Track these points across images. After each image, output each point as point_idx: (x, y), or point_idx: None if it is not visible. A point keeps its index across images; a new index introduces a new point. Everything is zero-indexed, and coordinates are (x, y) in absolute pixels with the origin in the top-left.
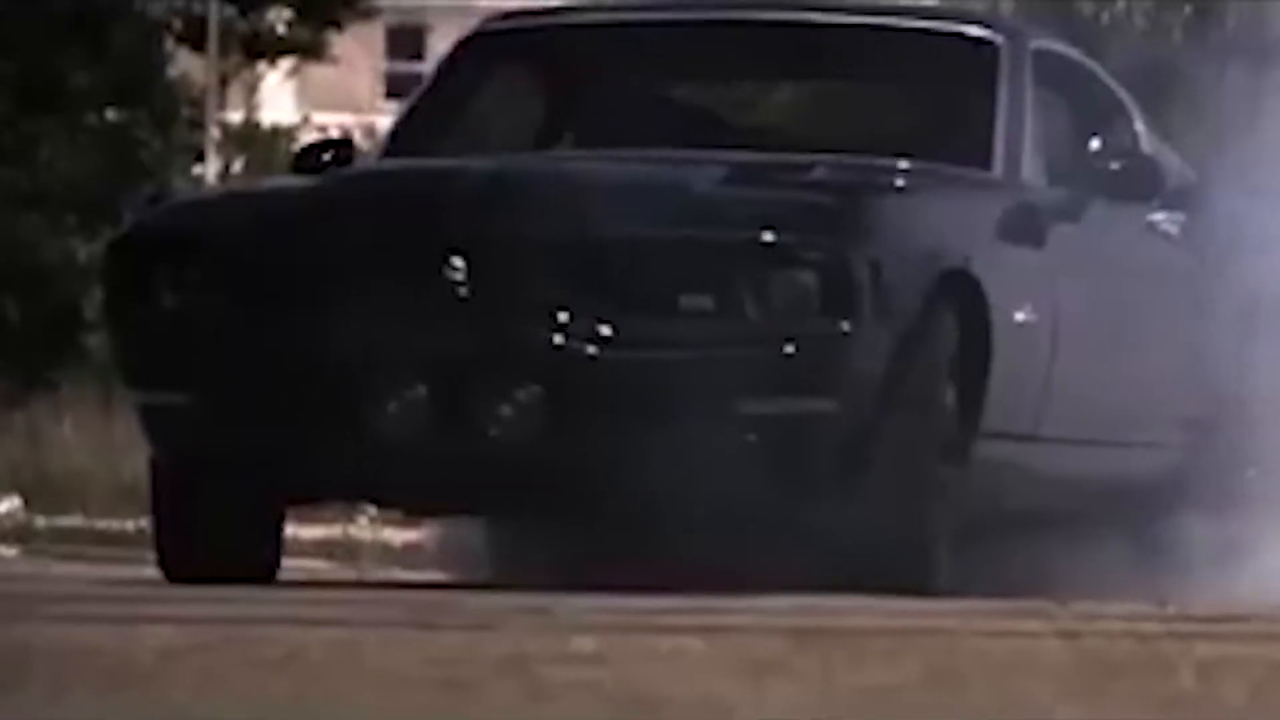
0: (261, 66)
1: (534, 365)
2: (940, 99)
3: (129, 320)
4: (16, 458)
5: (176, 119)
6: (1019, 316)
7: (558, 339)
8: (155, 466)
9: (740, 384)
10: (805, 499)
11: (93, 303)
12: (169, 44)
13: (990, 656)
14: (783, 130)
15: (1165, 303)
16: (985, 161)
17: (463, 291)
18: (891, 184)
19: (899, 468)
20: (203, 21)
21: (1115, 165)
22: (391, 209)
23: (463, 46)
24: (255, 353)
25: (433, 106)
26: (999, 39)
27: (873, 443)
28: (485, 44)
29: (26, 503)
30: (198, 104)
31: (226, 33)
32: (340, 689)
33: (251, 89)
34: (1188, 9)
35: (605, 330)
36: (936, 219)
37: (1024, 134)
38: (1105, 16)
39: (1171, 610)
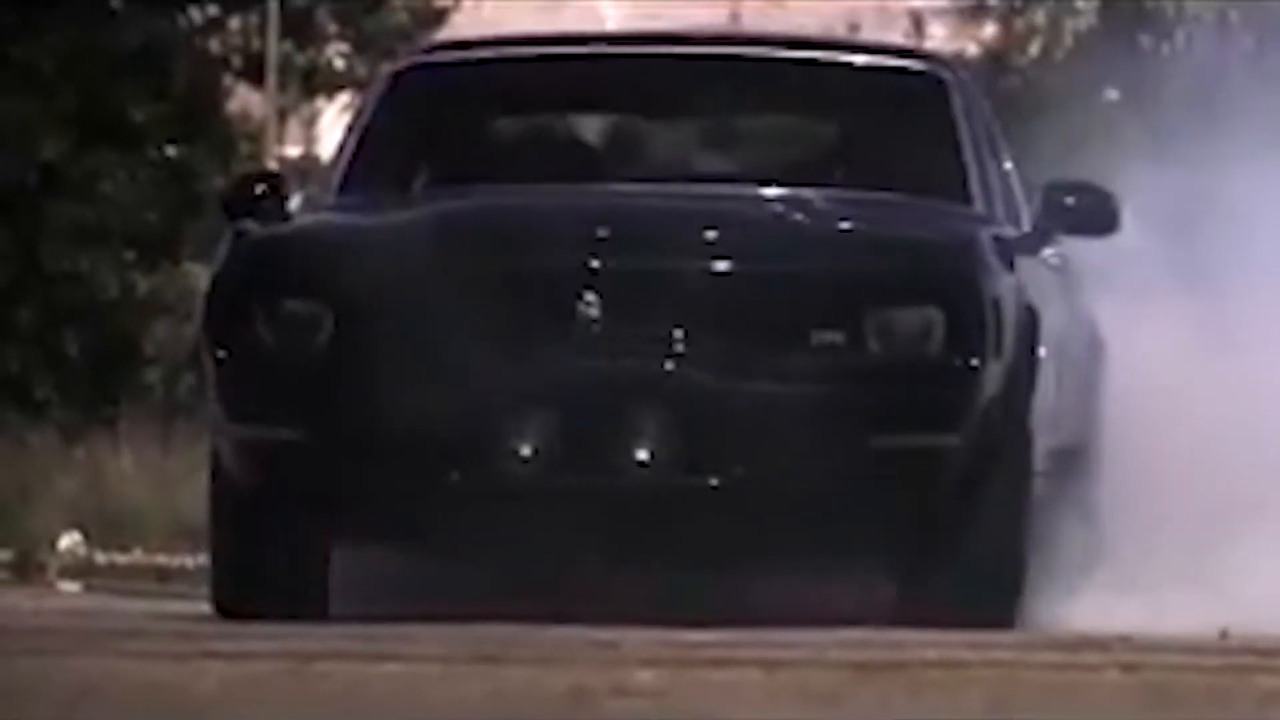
0: (320, 101)
1: (665, 401)
2: (900, 135)
3: (232, 354)
4: (76, 493)
5: (236, 153)
6: (1044, 351)
7: (688, 375)
8: (221, 503)
9: (870, 418)
10: (926, 531)
11: (152, 337)
12: (228, 79)
13: (1049, 689)
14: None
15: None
16: (965, 198)
17: (593, 328)
18: (984, 221)
19: (1007, 501)
20: (261, 57)
21: (1071, 200)
22: (515, 244)
23: (400, 77)
24: (369, 390)
25: (388, 137)
26: (947, 73)
27: (987, 476)
28: (423, 76)
29: (87, 538)
30: (257, 138)
31: (285, 68)
32: None
33: (310, 123)
34: (1247, 40)
35: (736, 365)
36: (1010, 256)
37: (989, 170)
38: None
39: (1232, 642)
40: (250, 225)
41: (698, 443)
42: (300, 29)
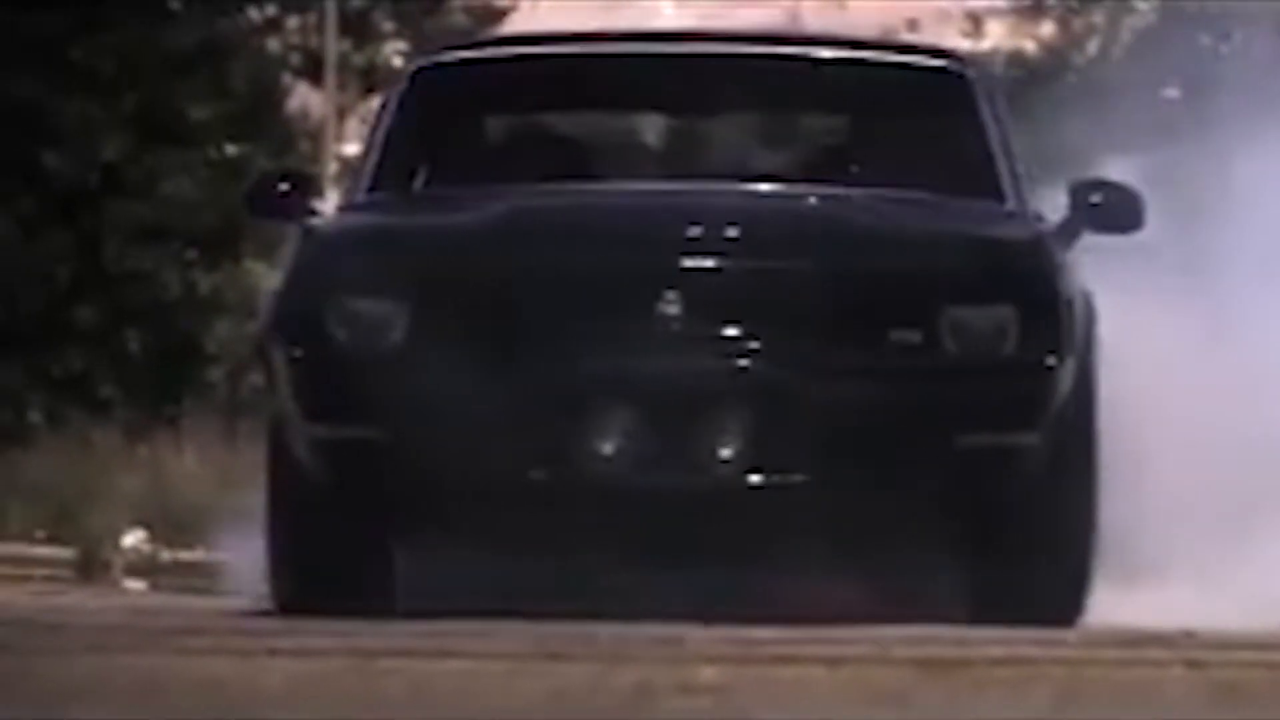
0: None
1: (748, 400)
2: (929, 133)
3: (308, 353)
4: (140, 491)
5: (294, 152)
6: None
7: (770, 373)
8: (288, 500)
9: (954, 417)
10: (1000, 529)
11: (214, 335)
12: (287, 78)
13: (1116, 686)
14: (767, 161)
15: None
16: (998, 196)
17: (675, 326)
18: (1023, 218)
19: (1077, 498)
20: (320, 56)
21: (1097, 198)
22: (597, 243)
23: (424, 75)
24: (448, 389)
25: (417, 135)
26: (970, 71)
27: (1060, 474)
28: (449, 73)
29: (151, 536)
30: (315, 137)
31: (343, 66)
32: None
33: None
34: None
35: (818, 363)
36: (1069, 254)
37: (1015, 167)
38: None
39: None
40: (319, 223)
41: (780, 441)
42: (358, 28)
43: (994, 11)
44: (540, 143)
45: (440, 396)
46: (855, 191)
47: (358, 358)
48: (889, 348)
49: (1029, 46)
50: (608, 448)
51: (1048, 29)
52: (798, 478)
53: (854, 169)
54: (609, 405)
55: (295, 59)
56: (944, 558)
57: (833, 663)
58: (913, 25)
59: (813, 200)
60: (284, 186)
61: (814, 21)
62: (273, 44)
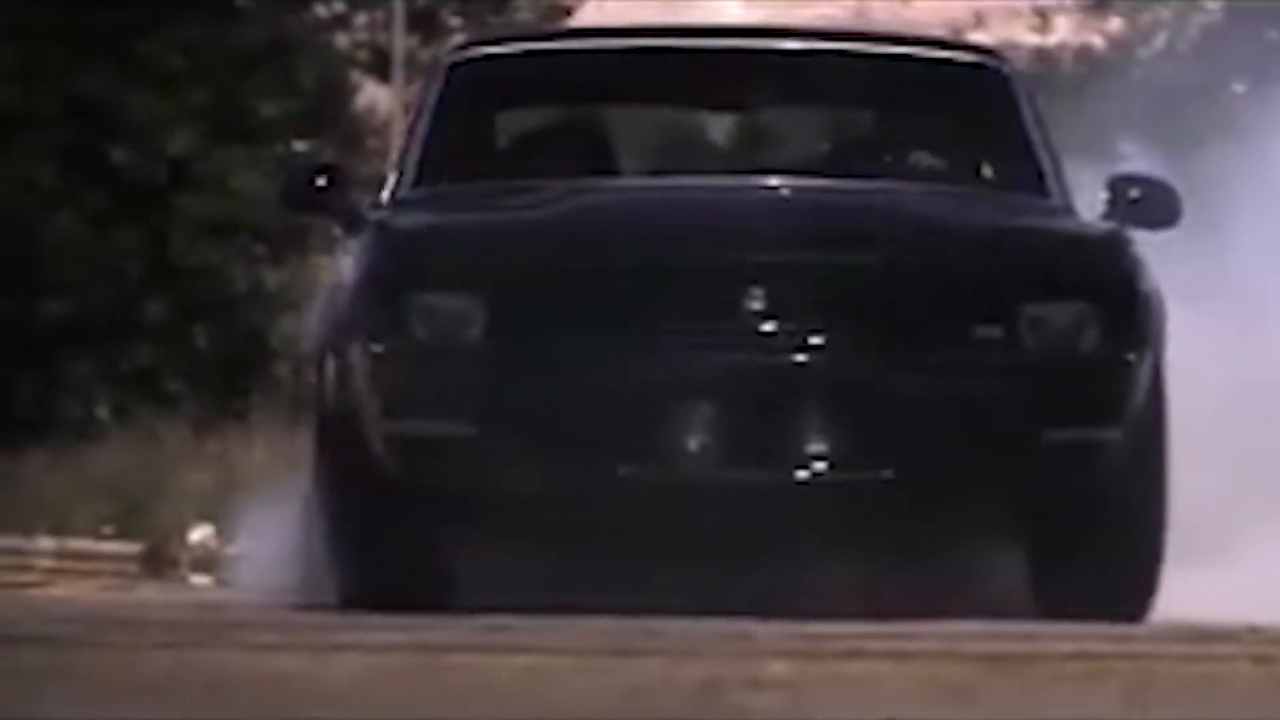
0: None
1: (834, 396)
2: (971, 129)
3: (389, 349)
4: (208, 486)
5: (363, 148)
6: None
7: (855, 369)
8: (359, 495)
9: (1040, 412)
10: (1077, 524)
11: (281, 330)
12: (355, 74)
13: (1183, 681)
14: (814, 157)
15: None
16: (1043, 191)
17: (759, 322)
18: (1071, 213)
19: (1151, 493)
20: (388, 52)
21: (1136, 193)
22: (680, 239)
23: (464, 68)
24: (534, 385)
25: (460, 128)
26: (1006, 67)
27: (1136, 469)
28: (491, 66)
29: (218, 531)
30: (382, 133)
31: (411, 62)
32: (534, 718)
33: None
34: None
35: (902, 359)
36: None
37: (1057, 160)
38: None
39: None
40: (389, 218)
41: (867, 437)
42: (426, 24)
43: (1061, 7)
44: (584, 136)
45: (523, 393)
46: (911, 187)
47: (439, 354)
48: (973, 343)
49: (1096, 42)
50: (694, 444)
51: (1115, 24)
52: (883, 474)
53: (901, 164)
54: (696, 402)
55: (363, 55)
56: (1017, 553)
57: (901, 658)
58: (980, 20)
59: (885, 196)
60: (321, 181)
61: (881, 18)
62: (341, 40)
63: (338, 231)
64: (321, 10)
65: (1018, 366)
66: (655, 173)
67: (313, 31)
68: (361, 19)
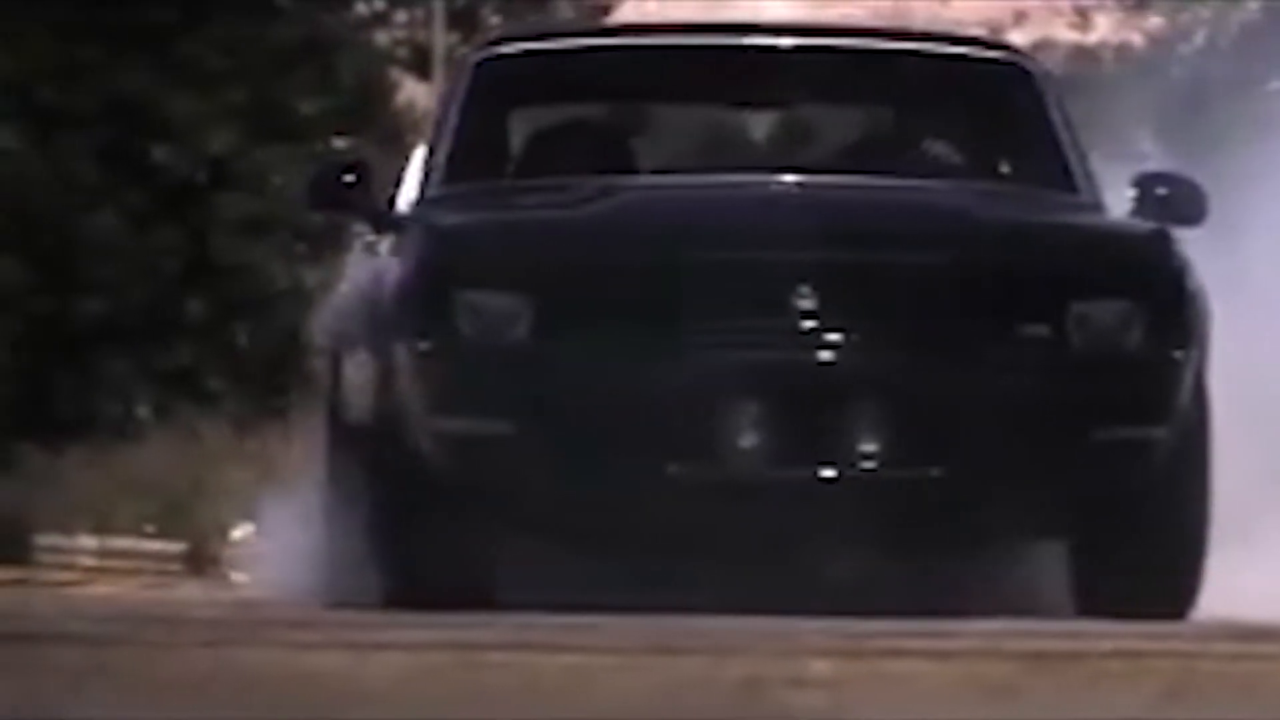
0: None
1: (885, 394)
2: (999, 126)
3: (436, 347)
4: (249, 484)
5: (401, 146)
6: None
7: (905, 367)
8: (401, 494)
9: (1089, 410)
10: (1124, 522)
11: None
12: (395, 72)
13: (1226, 678)
14: (842, 155)
15: None
16: (1072, 188)
17: (810, 321)
18: (1101, 210)
19: (1195, 491)
20: (428, 50)
21: (1163, 191)
22: (729, 237)
23: (489, 66)
24: (583, 383)
25: (483, 127)
26: (1031, 64)
27: (1181, 467)
28: (508, 66)
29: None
30: (422, 131)
31: (451, 60)
32: (575, 717)
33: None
34: None
35: (951, 357)
36: None
37: (1085, 157)
38: None
39: None
40: (430, 216)
41: (918, 435)
42: (466, 21)
43: (1101, 6)
44: (614, 134)
45: (572, 391)
46: (945, 184)
47: (486, 352)
48: (1021, 341)
49: (1136, 40)
50: (743, 442)
51: (1155, 22)
52: (932, 472)
53: (931, 162)
54: (744, 400)
55: (403, 53)
56: (1061, 550)
57: (942, 656)
58: (1020, 19)
59: (924, 194)
60: (349, 178)
61: (920, 16)
62: (380, 38)
63: (362, 229)
64: (361, 8)
65: (1065, 365)
66: (689, 170)
67: (352, 29)
68: (401, 16)
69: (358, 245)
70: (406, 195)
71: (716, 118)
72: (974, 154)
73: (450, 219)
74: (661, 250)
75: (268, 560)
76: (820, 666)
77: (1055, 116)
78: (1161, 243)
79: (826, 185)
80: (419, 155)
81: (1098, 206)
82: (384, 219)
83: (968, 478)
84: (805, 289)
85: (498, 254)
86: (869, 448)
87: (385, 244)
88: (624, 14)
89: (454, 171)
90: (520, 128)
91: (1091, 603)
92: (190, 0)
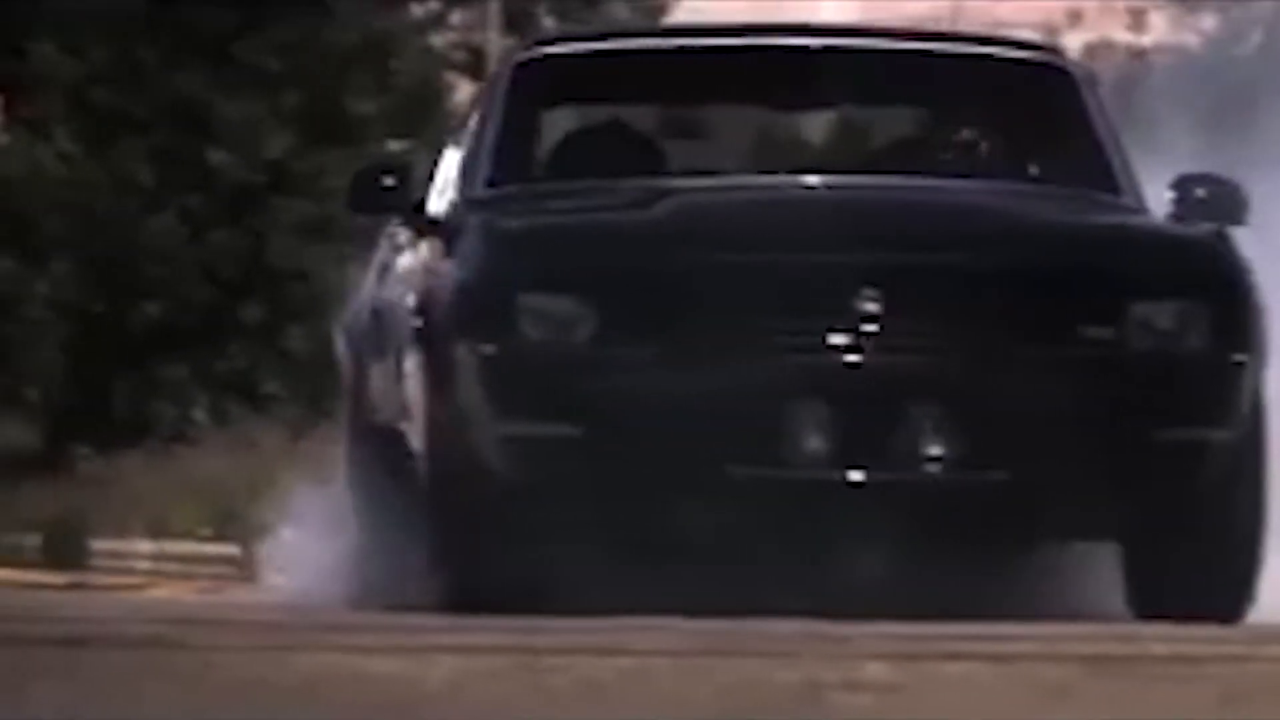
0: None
1: (951, 396)
2: (1042, 127)
3: (501, 350)
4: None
5: None
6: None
7: (970, 369)
8: (462, 497)
9: (1152, 412)
10: (1183, 524)
11: None
12: (450, 74)
13: None
14: (886, 156)
15: None
16: (1115, 189)
17: (874, 324)
18: (1144, 211)
19: (1254, 493)
20: (483, 51)
21: (1203, 192)
22: (793, 239)
23: (531, 68)
24: (647, 385)
25: (526, 128)
26: (1073, 65)
27: (1241, 469)
28: (550, 67)
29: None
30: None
31: None
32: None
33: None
34: None
35: (1013, 359)
36: None
37: (1126, 159)
38: None
39: None
40: (488, 219)
41: (981, 438)
42: (521, 23)
43: (1156, 5)
44: (656, 135)
45: (638, 393)
46: (994, 185)
47: (552, 355)
48: (1083, 343)
49: (1191, 40)
50: (807, 445)
51: (1210, 22)
52: (998, 475)
53: (976, 163)
54: (808, 402)
55: (458, 55)
56: (1120, 552)
57: (999, 659)
58: (1075, 19)
59: (980, 196)
60: (389, 180)
61: (974, 17)
62: (436, 40)
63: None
64: (417, 10)
65: (1127, 366)
66: (736, 172)
67: (408, 32)
68: (457, 18)
69: (384, 245)
70: (443, 197)
71: (758, 119)
72: (1017, 155)
73: (511, 222)
74: (726, 253)
75: (303, 563)
76: (876, 669)
77: (1097, 117)
78: (1221, 244)
79: (880, 187)
80: (449, 156)
81: (1141, 208)
82: (426, 221)
83: (1031, 480)
84: (870, 291)
85: (562, 257)
86: (933, 450)
87: (427, 246)
88: (679, 15)
89: (498, 173)
90: (565, 129)
91: (1147, 605)
92: (247, 4)
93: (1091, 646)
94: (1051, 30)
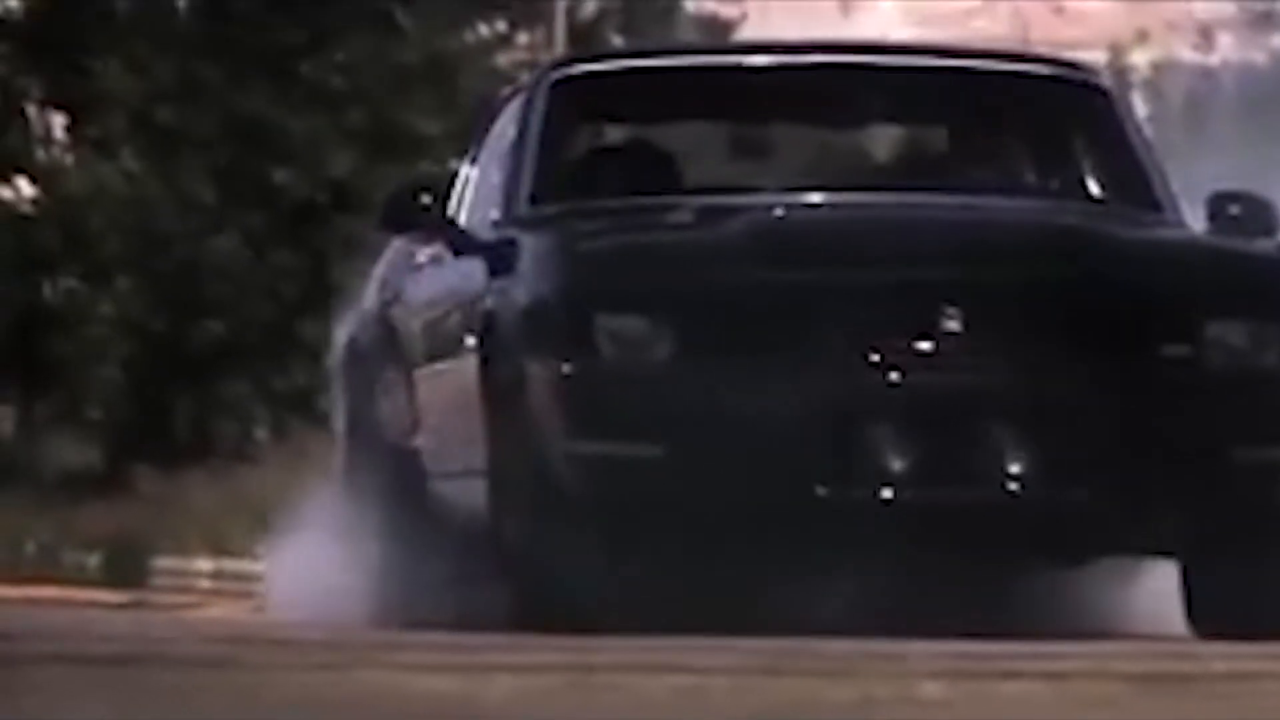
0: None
1: (1031, 415)
2: (1082, 144)
3: (579, 369)
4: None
5: None
6: None
7: (1049, 387)
8: (536, 515)
9: (1231, 431)
10: (1254, 542)
11: None
12: None
13: None
14: (919, 172)
15: None
16: (1156, 206)
17: (953, 342)
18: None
19: None
20: None
21: (1236, 209)
22: (870, 258)
23: (565, 86)
24: (728, 405)
25: (565, 146)
26: (1107, 82)
27: None
28: (588, 84)
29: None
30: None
31: None
32: None
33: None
34: None
35: (1094, 377)
36: None
37: (1165, 176)
38: None
39: None
40: (567, 237)
41: (1062, 456)
42: (587, 42)
43: (1223, 23)
44: (703, 152)
45: (717, 413)
46: (1050, 205)
47: (629, 374)
48: (1161, 362)
49: (1259, 59)
50: (889, 464)
51: (1279, 40)
52: (1079, 493)
53: (1024, 183)
54: (892, 421)
55: (524, 74)
56: (1182, 570)
57: (1054, 677)
58: (1142, 37)
59: (1048, 214)
60: (426, 199)
61: (1039, 35)
62: (501, 60)
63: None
64: (483, 29)
65: (1204, 384)
66: (787, 189)
67: (474, 51)
68: (523, 38)
69: (395, 260)
70: (475, 214)
71: (798, 136)
72: (1061, 175)
73: (584, 242)
74: (804, 271)
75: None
76: (931, 688)
77: (1134, 135)
78: None
79: (947, 205)
80: (467, 174)
81: (1184, 225)
82: (464, 239)
83: (1112, 499)
84: (951, 309)
85: (637, 276)
86: (1014, 469)
87: (471, 264)
88: (745, 34)
89: (541, 192)
90: (603, 146)
91: (1209, 624)
92: (311, 21)
93: (1148, 664)
94: (1118, 49)
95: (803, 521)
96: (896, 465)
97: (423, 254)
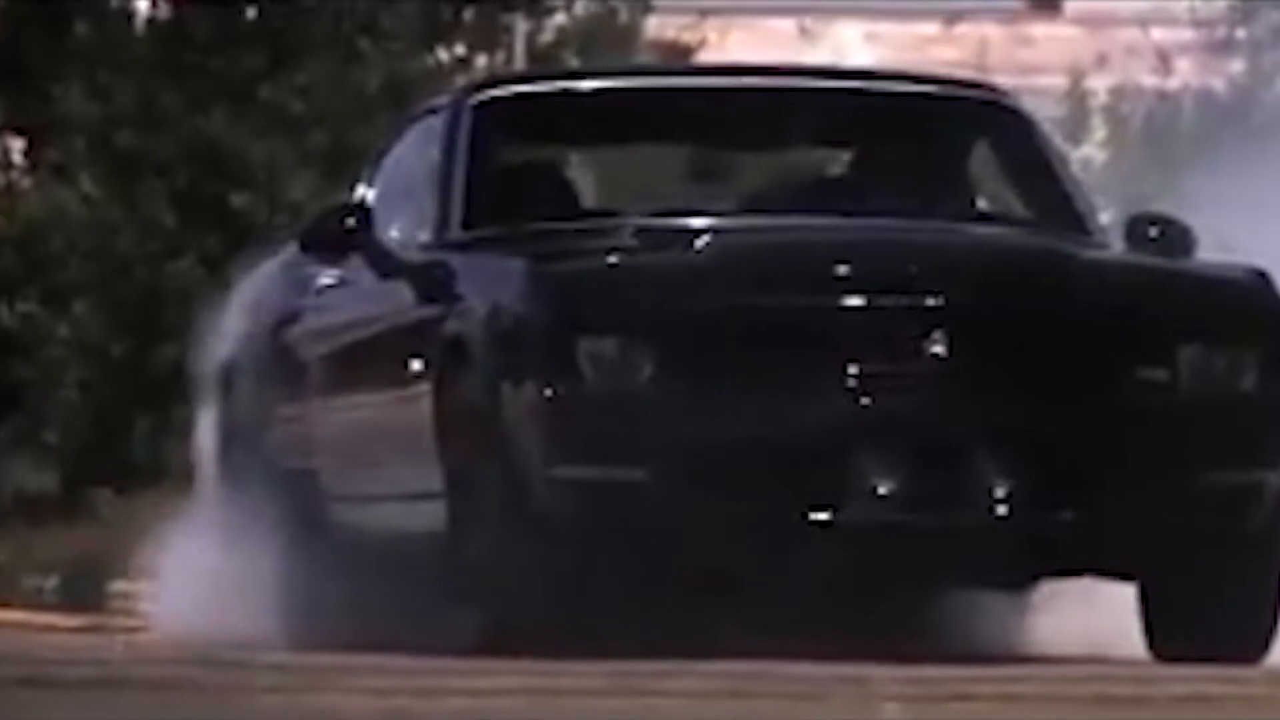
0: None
1: (1016, 438)
2: (1002, 168)
3: (560, 393)
4: None
5: None
6: None
7: (1034, 411)
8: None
9: (1205, 454)
10: (1221, 566)
11: None
12: None
13: None
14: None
15: None
16: (1084, 228)
17: (936, 366)
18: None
19: None
20: None
21: (1154, 231)
22: (859, 282)
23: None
24: (714, 429)
25: (493, 170)
26: (1021, 105)
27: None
28: (514, 107)
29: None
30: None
31: None
32: None
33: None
34: None
35: (1075, 401)
36: None
37: (1089, 199)
38: None
39: None
40: (540, 260)
41: (1046, 480)
42: (545, 66)
43: (1182, 48)
44: (633, 175)
45: (704, 437)
46: (998, 228)
47: (611, 398)
48: (1133, 386)
49: (1218, 84)
50: (882, 488)
51: (1237, 66)
52: (1064, 515)
53: (955, 204)
54: (880, 445)
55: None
56: (1142, 593)
57: (1013, 700)
58: (1102, 61)
59: (1008, 239)
60: (351, 222)
61: (998, 59)
62: (460, 82)
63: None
64: (442, 53)
65: (1179, 409)
66: (733, 212)
67: (433, 75)
68: (482, 61)
69: (279, 280)
70: (394, 238)
71: (705, 158)
72: (992, 198)
73: (559, 265)
74: (782, 294)
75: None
76: (892, 710)
77: (1055, 158)
78: (1267, 285)
79: (903, 229)
80: (363, 194)
81: (1107, 245)
82: (394, 263)
83: (1094, 521)
84: (929, 333)
85: (617, 299)
86: (998, 493)
87: (404, 287)
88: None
89: (473, 215)
90: (531, 169)
91: (1171, 646)
92: (271, 46)
93: (1105, 687)
94: (1078, 74)
95: (784, 545)
96: (877, 488)
97: (327, 276)
